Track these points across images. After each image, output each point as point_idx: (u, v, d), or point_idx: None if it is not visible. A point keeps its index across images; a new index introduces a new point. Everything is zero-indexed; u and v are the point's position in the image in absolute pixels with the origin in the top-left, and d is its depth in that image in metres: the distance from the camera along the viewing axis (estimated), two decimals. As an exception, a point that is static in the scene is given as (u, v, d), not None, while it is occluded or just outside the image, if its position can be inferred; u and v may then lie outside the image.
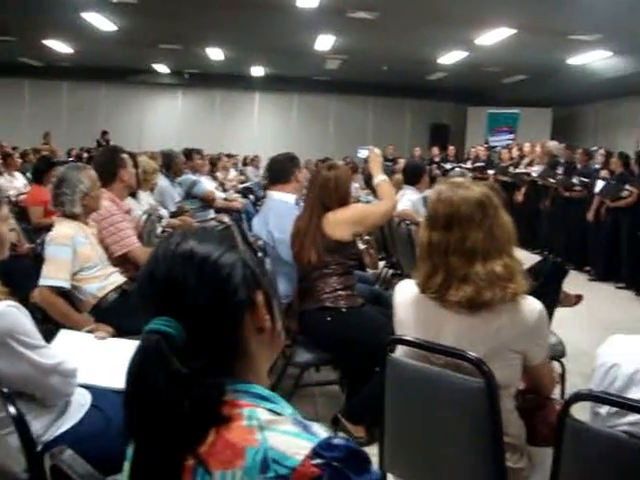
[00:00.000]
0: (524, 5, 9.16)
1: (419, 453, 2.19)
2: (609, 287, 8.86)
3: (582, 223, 9.70)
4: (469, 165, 13.49)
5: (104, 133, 17.60)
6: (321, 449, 1.02)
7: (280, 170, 4.67)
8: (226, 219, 6.14)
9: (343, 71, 16.15)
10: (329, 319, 3.69)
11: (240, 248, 1.20)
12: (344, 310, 3.71)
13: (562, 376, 4.04)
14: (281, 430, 1.05)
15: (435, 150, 15.24)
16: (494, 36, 11.05)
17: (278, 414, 1.09)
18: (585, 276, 9.47)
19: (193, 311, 1.10)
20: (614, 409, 1.76)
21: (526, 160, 12.01)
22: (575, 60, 12.67)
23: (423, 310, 2.26)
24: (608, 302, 7.91)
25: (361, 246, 6.30)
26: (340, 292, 3.73)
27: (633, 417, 1.71)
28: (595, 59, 12.40)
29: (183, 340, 1.08)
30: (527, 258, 5.08)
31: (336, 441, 1.05)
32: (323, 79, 18.07)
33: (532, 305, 2.17)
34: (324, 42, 12.55)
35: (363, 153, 5.09)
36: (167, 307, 1.10)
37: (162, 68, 17.91)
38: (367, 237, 6.74)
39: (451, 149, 14.99)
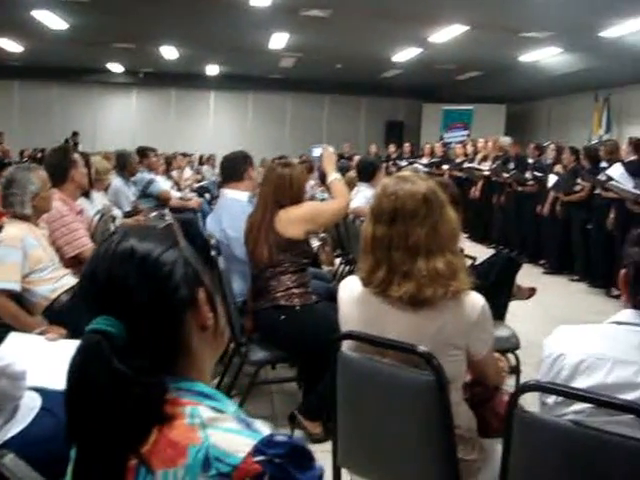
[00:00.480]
0: (476, 3, 9.27)
1: (372, 447, 2.21)
2: (563, 279, 9.01)
3: (536, 217, 9.85)
4: (425, 161, 13.59)
5: (74, 134, 17.41)
6: (263, 446, 1.02)
7: (233, 168, 4.66)
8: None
9: (298, 69, 16.15)
10: (283, 317, 3.69)
11: (181, 246, 1.20)
12: (298, 308, 3.72)
13: (517, 368, 4.10)
14: (223, 428, 1.05)
15: (392, 147, 15.32)
16: (447, 33, 11.15)
17: (221, 412, 1.09)
18: (540, 269, 9.62)
19: (134, 310, 1.10)
20: (561, 398, 1.79)
21: (479, 156, 12.16)
22: (527, 57, 12.85)
23: (367, 306, 2.26)
24: (562, 294, 8.04)
25: (316, 243, 6.33)
26: (294, 290, 3.73)
27: (579, 406, 1.74)
28: (546, 56, 12.59)
29: (124, 339, 1.07)
30: (482, 253, 5.17)
31: (278, 438, 1.05)
32: (278, 77, 18.05)
33: (474, 301, 2.18)
34: (278, 40, 12.53)
35: (317, 151, 5.08)
36: (108, 306, 1.10)
37: (116, 67, 17.72)
38: (323, 234, 6.76)
39: (407, 146, 15.06)
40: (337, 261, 7.08)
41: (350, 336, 2.23)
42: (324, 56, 14.20)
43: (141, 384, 1.05)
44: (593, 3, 8.66)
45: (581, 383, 1.74)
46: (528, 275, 8.33)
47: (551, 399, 1.81)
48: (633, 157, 8.02)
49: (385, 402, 2.11)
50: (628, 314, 1.79)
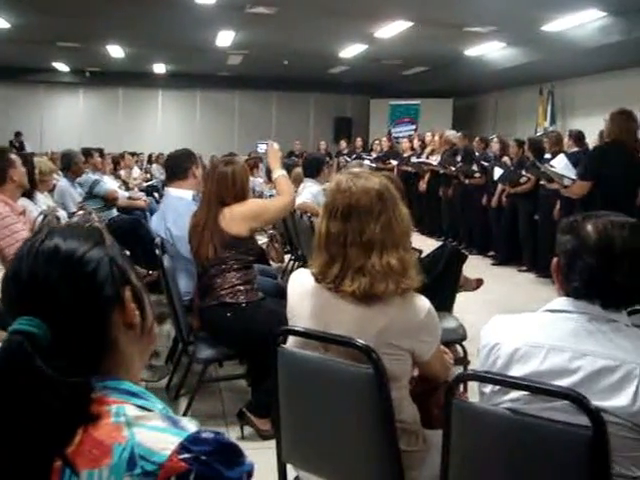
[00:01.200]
0: (421, -2, 9.35)
1: (315, 442, 2.21)
2: (511, 270, 9.14)
3: (483, 209, 9.97)
4: (374, 156, 13.68)
5: (17, 134, 17.08)
6: (189, 443, 1.01)
7: (177, 166, 4.63)
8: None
9: (245, 66, 16.08)
10: (229, 315, 3.69)
11: (107, 244, 1.18)
12: (244, 305, 3.71)
13: (464, 359, 4.16)
14: (149, 426, 1.04)
15: (343, 143, 15.39)
16: (392, 29, 11.20)
17: (147, 410, 1.08)
18: (488, 261, 9.74)
19: (58, 309, 1.08)
20: (497, 387, 1.81)
21: (427, 150, 12.26)
22: (472, 51, 12.98)
23: (317, 300, 2.25)
24: (510, 285, 8.16)
25: (264, 240, 6.33)
26: (239, 287, 3.73)
27: (515, 394, 1.76)
28: (491, 50, 12.74)
29: (48, 339, 1.05)
30: (432, 246, 5.22)
31: (205, 435, 1.04)
32: (226, 75, 17.95)
33: (420, 303, 2.20)
34: (225, 38, 12.47)
35: (262, 148, 5.10)
36: (32, 306, 1.07)
37: (62, 66, 17.45)
38: (272, 231, 6.76)
39: (358, 141, 15.15)
40: (287, 257, 7.09)
41: (289, 331, 2.23)
42: (271, 53, 14.17)
43: (66, 384, 1.04)
44: (536, -2, 8.81)
45: (517, 371, 1.77)
46: (477, 267, 8.44)
47: (488, 388, 1.84)
48: (575, 149, 8.18)
49: (327, 397, 2.11)
50: (561, 302, 1.82)
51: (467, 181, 10.34)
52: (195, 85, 18.82)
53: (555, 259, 1.84)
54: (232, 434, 3.81)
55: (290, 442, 2.29)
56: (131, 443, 1.01)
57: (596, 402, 1.62)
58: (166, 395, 4.36)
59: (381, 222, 2.16)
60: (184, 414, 3.87)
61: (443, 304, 4.55)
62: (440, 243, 10.64)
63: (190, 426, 1.06)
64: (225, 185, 3.81)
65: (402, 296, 2.17)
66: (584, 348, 1.71)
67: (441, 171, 11.18)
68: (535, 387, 1.70)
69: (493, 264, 9.56)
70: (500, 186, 9.47)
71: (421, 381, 2.40)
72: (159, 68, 17.29)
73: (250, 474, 1.08)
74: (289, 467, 2.40)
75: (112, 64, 16.30)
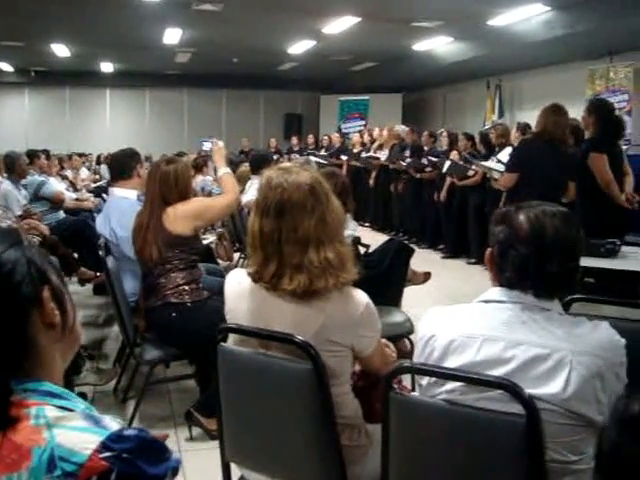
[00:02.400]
0: (366, -7, 9.37)
1: (257, 440, 2.20)
2: (461, 263, 9.23)
3: (433, 203, 10.05)
4: (324, 152, 13.70)
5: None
6: (111, 442, 1.00)
7: (121, 166, 4.59)
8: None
9: (194, 64, 15.95)
10: (174, 315, 3.67)
11: (25, 245, 1.16)
12: (189, 305, 3.69)
13: (411, 352, 4.17)
14: (69, 426, 1.02)
15: (294, 140, 15.36)
16: (340, 25, 11.20)
17: (69, 410, 1.06)
18: (439, 254, 9.83)
19: None
20: (434, 379, 1.82)
21: (376, 144, 12.32)
22: (420, 46, 13.04)
23: (255, 300, 2.23)
24: (459, 277, 8.24)
25: (213, 238, 6.28)
26: (184, 287, 3.71)
27: (451, 385, 1.77)
28: (438, 45, 12.81)
29: None
30: (382, 241, 5.24)
31: (127, 432, 1.02)
32: (174, 73, 17.80)
33: (359, 297, 2.19)
34: (172, 35, 12.34)
35: (207, 146, 5.05)
36: None
37: (5, 66, 17.09)
38: (220, 229, 6.72)
39: (310, 137, 15.14)
40: (236, 256, 7.05)
41: (229, 329, 2.21)
42: (219, 50, 14.08)
43: None
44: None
45: (452, 362, 1.77)
46: (428, 260, 8.53)
47: (425, 380, 1.84)
48: (522, 141, 8.27)
49: (267, 394, 2.10)
50: (495, 292, 1.83)
51: (419, 175, 10.40)
52: (144, 84, 18.61)
53: (489, 249, 1.85)
54: (181, 435, 3.79)
55: (233, 441, 2.28)
56: (51, 445, 0.99)
57: (530, 390, 1.64)
58: (114, 398, 4.32)
59: (315, 217, 2.14)
60: (131, 417, 3.84)
61: (391, 298, 4.58)
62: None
63: (113, 424, 1.04)
64: (168, 184, 3.78)
65: (340, 291, 2.16)
66: (518, 337, 1.73)
67: (391, 166, 11.24)
68: (470, 378, 1.71)
69: (443, 257, 9.65)
70: (449, 179, 9.55)
71: (363, 376, 2.40)
72: (106, 67, 17.06)
73: (176, 471, 1.06)
74: (234, 466, 2.39)
75: (58, 63, 16.02)
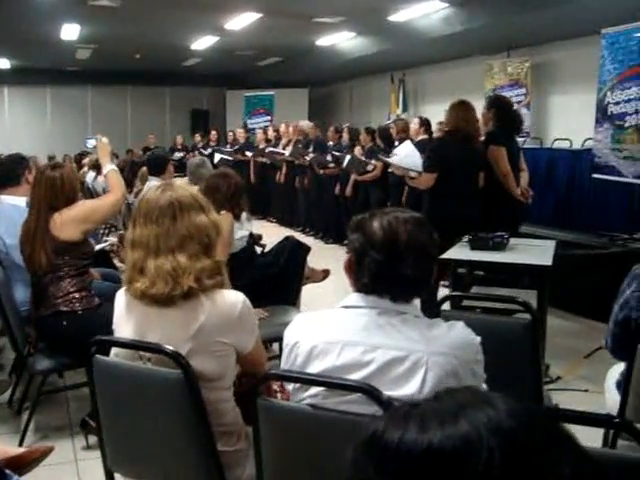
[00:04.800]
0: (266, -10, 9.37)
1: (136, 449, 2.22)
2: (367, 257, 9.32)
3: (337, 198, 10.15)
4: (229, 148, 13.66)
5: None
6: None
7: (8, 173, 4.47)
8: None
9: (96, 60, 15.59)
10: (65, 323, 3.63)
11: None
12: (80, 313, 3.66)
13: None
14: None
15: (197, 136, 15.21)
16: (242, 21, 11.17)
17: None
18: (344, 249, 9.89)
19: None
20: (299, 384, 1.87)
21: (283, 141, 12.37)
22: (323, 41, 13.11)
23: (131, 311, 2.31)
24: (364, 272, 8.32)
25: (113, 239, 6.20)
26: (75, 295, 3.67)
27: (314, 390, 1.83)
28: (342, 40, 12.91)
29: None
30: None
31: None
32: (76, 69, 17.36)
33: (233, 298, 2.27)
34: (70, 31, 12.02)
35: (91, 143, 4.98)
36: None
37: None
38: (121, 231, 6.64)
39: (213, 134, 15.02)
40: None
41: (102, 341, 2.23)
42: (121, 47, 13.82)
43: None
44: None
45: (315, 368, 1.83)
46: (333, 256, 8.58)
47: (291, 386, 1.90)
48: (423, 136, 8.45)
49: (142, 403, 2.13)
50: (354, 298, 1.89)
51: (322, 171, 10.49)
52: (44, 81, 18.03)
53: (347, 256, 1.91)
54: (77, 444, 3.76)
55: (114, 450, 2.29)
56: None
57: (388, 392, 1.71)
58: (9, 409, 4.23)
59: (160, 228, 2.25)
60: (25, 428, 3.78)
61: (287, 298, 4.63)
62: (297, 234, 10.80)
63: None
64: (54, 190, 3.73)
65: (211, 298, 2.23)
66: (375, 341, 1.79)
67: (296, 162, 11.31)
68: (331, 382, 1.77)
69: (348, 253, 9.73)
70: (353, 175, 9.66)
71: (245, 378, 2.44)
72: (3, 63, 16.46)
73: None
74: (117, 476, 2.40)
75: (-50, 60, 15.46)
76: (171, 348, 2.05)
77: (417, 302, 1.92)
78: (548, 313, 5.12)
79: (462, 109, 5.54)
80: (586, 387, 4.58)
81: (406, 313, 1.84)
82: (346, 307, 1.89)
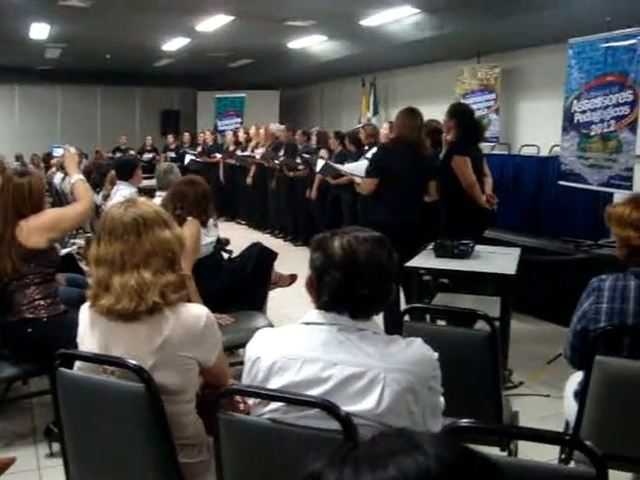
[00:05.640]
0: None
1: (99, 462, 2.23)
2: (335, 262, 9.35)
3: (307, 201, 10.17)
4: (199, 150, 13.63)
5: None
6: None
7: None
8: None
9: (65, 60, 15.46)
10: (30, 330, 3.62)
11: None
12: (45, 320, 3.66)
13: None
14: None
15: (170, 137, 15.12)
16: (213, 23, 11.16)
17: None
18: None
19: None
20: (259, 399, 1.91)
21: (252, 143, 12.37)
22: (295, 44, 13.14)
23: (96, 325, 2.32)
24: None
25: (81, 242, 6.19)
26: (40, 302, 3.66)
27: (274, 405, 1.86)
28: (313, 43, 12.95)
29: None
30: (259, 239, 5.28)
31: None
32: (45, 69, 17.19)
33: (197, 312, 2.30)
34: (39, 30, 11.91)
35: (58, 152, 4.98)
36: None
37: None
38: (89, 234, 6.63)
39: (186, 135, 14.96)
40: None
41: (66, 355, 2.24)
42: (91, 47, 13.73)
43: None
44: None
45: (275, 383, 1.86)
46: (302, 259, 8.61)
47: (252, 400, 1.93)
48: (394, 139, 8.49)
49: (106, 416, 2.14)
50: (314, 314, 1.93)
51: (291, 174, 10.51)
52: (12, 79, 17.77)
53: (308, 274, 1.95)
54: (41, 452, 3.75)
55: (77, 460, 2.30)
56: None
57: (346, 407, 1.74)
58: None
59: (125, 245, 2.27)
60: (-12, 435, 3.76)
61: (254, 304, 4.66)
62: (266, 236, 10.84)
63: None
64: (22, 197, 3.72)
65: (176, 309, 2.26)
66: (334, 357, 1.83)
67: (266, 164, 11.33)
68: (290, 398, 1.80)
69: (319, 254, 9.76)
70: (318, 177, 9.68)
71: (208, 389, 2.47)
72: (-31, 61, 16.33)
73: None
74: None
75: None
76: (134, 362, 2.07)
77: (376, 318, 1.96)
78: (513, 318, 5.20)
79: (407, 117, 5.54)
80: (548, 392, 4.66)
81: (365, 330, 1.88)
82: (307, 323, 1.92)
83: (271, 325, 4.33)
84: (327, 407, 1.73)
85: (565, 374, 3.32)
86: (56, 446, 3.68)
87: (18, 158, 15.66)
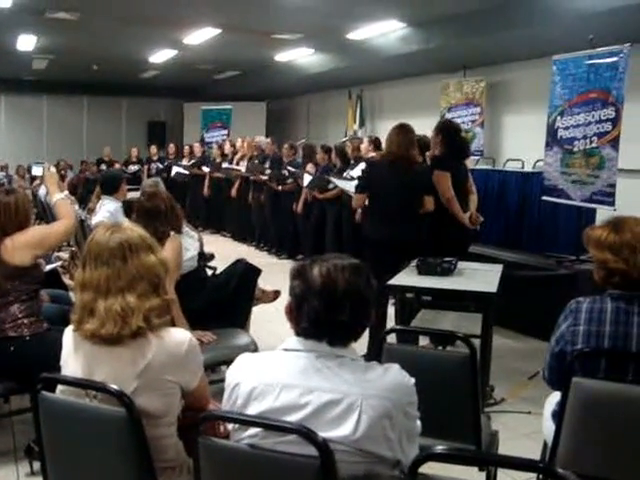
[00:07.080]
0: (225, 7, 9.37)
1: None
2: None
3: (292, 214, 10.19)
4: (185, 162, 13.60)
5: None
6: None
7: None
8: None
9: (52, 70, 15.48)
10: (12, 349, 3.61)
11: None
12: (28, 338, 3.65)
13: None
14: None
15: (153, 149, 15.05)
16: (200, 36, 11.22)
17: None
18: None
19: None
20: (237, 425, 1.93)
21: (238, 155, 12.39)
22: (282, 57, 13.22)
23: (80, 348, 2.34)
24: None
25: (65, 255, 6.18)
26: (23, 320, 3.66)
27: (253, 430, 1.88)
28: (300, 56, 13.03)
29: None
30: (242, 252, 5.28)
31: None
32: (32, 79, 17.19)
33: (179, 337, 2.32)
34: (26, 42, 11.95)
35: (38, 170, 4.98)
36: None
37: None
38: (74, 248, 6.62)
39: (171, 147, 14.93)
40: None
41: (48, 379, 2.25)
42: (78, 58, 13.77)
43: None
44: (337, 9, 9.09)
45: (254, 409, 1.89)
46: (287, 272, 8.64)
47: (231, 426, 1.95)
48: (373, 154, 8.55)
49: (86, 439, 2.15)
50: (293, 341, 1.96)
51: (280, 187, 10.54)
52: (-2, 89, 17.86)
53: (287, 301, 1.97)
54: (21, 470, 3.74)
55: (57, 483, 2.31)
56: None
57: (324, 433, 1.77)
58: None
59: (110, 270, 2.29)
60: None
61: (236, 320, 4.67)
62: (251, 249, 10.84)
63: None
64: (8, 215, 3.72)
65: (159, 333, 2.28)
66: (312, 384, 1.86)
67: (251, 177, 11.34)
68: (268, 424, 1.83)
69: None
70: (304, 191, 9.71)
71: (189, 412, 2.48)
72: (-45, 71, 16.28)
73: None
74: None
75: None
76: (115, 387, 2.09)
77: (354, 345, 1.98)
78: (496, 333, 5.23)
79: (396, 134, 5.60)
80: (529, 409, 4.68)
81: (343, 357, 1.91)
82: (286, 350, 1.95)
83: (254, 342, 4.36)
84: (304, 433, 1.76)
85: (546, 390, 3.34)
86: (37, 464, 3.67)
87: (3, 168, 15.62)
